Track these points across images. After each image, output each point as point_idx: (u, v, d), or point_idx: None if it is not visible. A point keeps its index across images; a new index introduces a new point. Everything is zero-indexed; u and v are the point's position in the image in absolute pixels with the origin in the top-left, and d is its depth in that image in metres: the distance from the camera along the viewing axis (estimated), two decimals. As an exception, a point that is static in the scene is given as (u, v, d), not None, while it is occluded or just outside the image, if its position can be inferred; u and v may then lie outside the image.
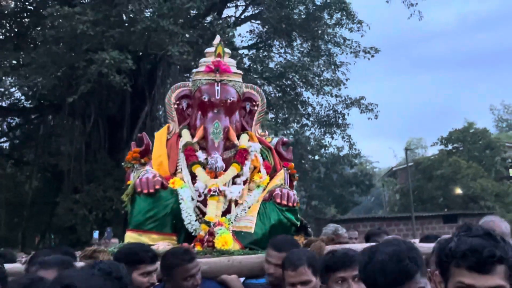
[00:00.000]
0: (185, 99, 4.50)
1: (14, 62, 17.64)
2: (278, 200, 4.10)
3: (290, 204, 4.13)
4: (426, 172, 27.83)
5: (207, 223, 3.99)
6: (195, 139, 4.30)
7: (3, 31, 18.57)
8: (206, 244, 3.91)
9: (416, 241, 4.18)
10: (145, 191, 3.95)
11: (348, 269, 2.61)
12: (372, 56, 19.47)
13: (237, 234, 4.02)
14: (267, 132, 4.77)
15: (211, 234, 3.94)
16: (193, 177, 4.21)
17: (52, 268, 2.76)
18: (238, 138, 4.39)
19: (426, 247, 3.34)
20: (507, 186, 26.66)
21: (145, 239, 3.93)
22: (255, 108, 4.60)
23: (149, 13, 14.95)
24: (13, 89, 20.63)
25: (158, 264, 3.11)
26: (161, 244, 3.82)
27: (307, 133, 22.04)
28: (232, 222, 4.10)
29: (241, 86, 4.53)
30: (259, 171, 4.39)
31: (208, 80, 4.38)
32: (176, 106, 4.51)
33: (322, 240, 3.95)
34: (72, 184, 18.62)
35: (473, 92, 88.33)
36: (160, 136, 4.47)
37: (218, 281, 3.57)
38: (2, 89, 20.39)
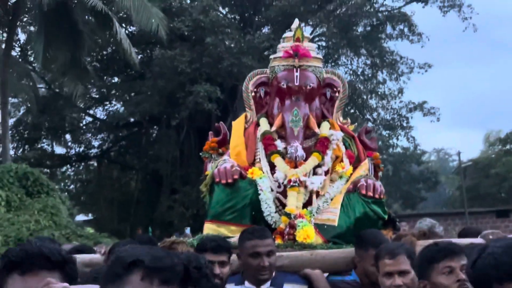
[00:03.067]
0: (262, 86, 3.67)
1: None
2: (364, 191, 3.23)
3: (377, 196, 3.24)
4: (485, 170, 26.12)
5: (288, 215, 3.21)
6: (274, 128, 3.49)
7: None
8: (287, 237, 3.15)
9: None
10: (224, 182, 3.23)
11: (456, 258, 2.00)
12: (426, 71, 18.98)
13: (320, 227, 3.22)
14: (349, 120, 3.87)
15: (292, 226, 3.16)
16: (272, 167, 3.42)
17: None
18: (318, 126, 3.53)
19: None
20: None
21: (223, 230, 3.24)
22: (336, 94, 3.67)
23: (232, 48, 16.75)
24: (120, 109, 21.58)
25: (220, 257, 2.54)
26: (240, 236, 3.07)
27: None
28: (313, 215, 3.29)
29: (321, 71, 3.65)
30: (342, 160, 3.51)
31: (286, 66, 3.54)
32: (253, 94, 3.69)
33: (413, 235, 3.08)
34: (170, 186, 19.44)
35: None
36: (238, 125, 3.70)
37: (301, 275, 2.85)
38: (112, 109, 21.33)
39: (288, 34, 3.74)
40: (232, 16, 20.17)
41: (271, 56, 3.76)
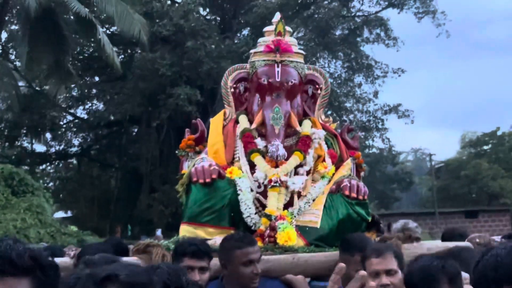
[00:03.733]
0: (242, 82, 3.39)
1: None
2: (347, 193, 2.98)
3: (360, 197, 3.01)
4: (455, 172, 26.46)
5: (268, 217, 2.96)
6: (254, 125, 3.22)
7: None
8: (267, 239, 2.89)
9: None
10: (201, 181, 2.94)
11: None
12: (399, 75, 19.20)
13: (301, 229, 2.97)
14: (331, 118, 3.62)
15: (273, 228, 2.91)
16: (252, 166, 3.16)
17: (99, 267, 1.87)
18: (299, 124, 3.27)
19: None
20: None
21: (200, 232, 2.95)
22: (318, 91, 3.41)
23: (212, 52, 16.83)
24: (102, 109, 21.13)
25: (200, 262, 2.32)
26: (218, 238, 2.82)
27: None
28: (295, 216, 3.05)
29: (303, 67, 3.38)
30: (324, 160, 3.26)
31: (267, 61, 3.27)
32: (232, 90, 3.40)
33: (399, 238, 2.87)
34: (150, 184, 19.31)
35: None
36: (216, 122, 3.41)
37: (282, 280, 2.63)
38: (93, 108, 20.91)
39: (269, 28, 3.45)
40: (213, 17, 19.96)
41: (252, 51, 3.47)
